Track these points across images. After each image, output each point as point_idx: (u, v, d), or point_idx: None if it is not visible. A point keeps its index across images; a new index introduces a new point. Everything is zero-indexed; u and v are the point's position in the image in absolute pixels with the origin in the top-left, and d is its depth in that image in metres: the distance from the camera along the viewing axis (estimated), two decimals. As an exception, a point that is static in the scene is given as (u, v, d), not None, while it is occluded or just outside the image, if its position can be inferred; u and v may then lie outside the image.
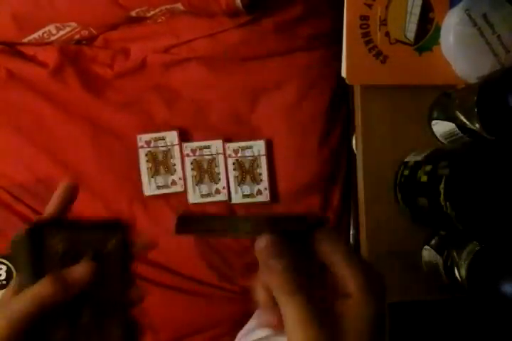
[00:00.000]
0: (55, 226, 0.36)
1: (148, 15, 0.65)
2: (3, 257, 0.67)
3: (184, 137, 0.68)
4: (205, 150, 0.68)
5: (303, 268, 0.30)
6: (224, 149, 0.68)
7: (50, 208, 0.38)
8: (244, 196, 0.68)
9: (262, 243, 0.30)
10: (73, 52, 0.68)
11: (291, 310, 0.29)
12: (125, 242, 0.37)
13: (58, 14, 0.65)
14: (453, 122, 0.48)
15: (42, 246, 0.36)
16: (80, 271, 0.35)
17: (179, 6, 0.63)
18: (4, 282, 0.68)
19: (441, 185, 0.42)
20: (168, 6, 0.64)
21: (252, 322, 0.64)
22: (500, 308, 0.44)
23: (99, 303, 0.36)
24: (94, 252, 0.36)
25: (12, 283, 0.36)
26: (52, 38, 0.68)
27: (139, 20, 0.67)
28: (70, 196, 0.38)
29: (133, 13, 0.65)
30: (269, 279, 0.30)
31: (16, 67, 0.67)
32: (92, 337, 0.35)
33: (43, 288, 0.33)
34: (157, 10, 0.64)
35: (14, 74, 0.67)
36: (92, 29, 0.68)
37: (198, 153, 0.68)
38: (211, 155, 0.68)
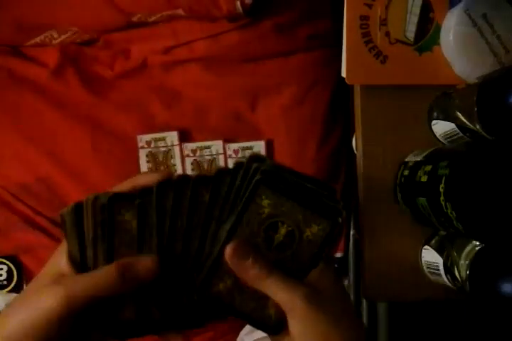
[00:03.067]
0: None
1: (150, 20, 0.66)
2: (4, 257, 0.67)
3: (184, 137, 0.68)
4: (205, 150, 0.68)
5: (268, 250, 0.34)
6: (224, 149, 0.68)
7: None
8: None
9: (228, 251, 0.33)
10: (74, 52, 0.68)
11: (276, 286, 0.33)
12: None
13: (60, 19, 0.66)
14: (453, 122, 0.48)
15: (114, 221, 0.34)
16: (146, 264, 0.33)
17: (180, 11, 0.63)
18: (5, 282, 0.68)
19: (441, 185, 0.42)
20: (169, 12, 0.64)
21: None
22: (501, 308, 0.44)
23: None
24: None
25: (65, 250, 0.35)
26: (54, 42, 0.68)
27: (140, 24, 0.67)
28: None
29: (134, 19, 0.65)
30: (247, 277, 0.34)
31: (17, 68, 0.67)
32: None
33: (105, 280, 0.32)
34: (158, 15, 0.65)
35: (15, 74, 0.67)
36: (93, 33, 0.68)
37: (198, 154, 0.68)
38: (211, 155, 0.68)
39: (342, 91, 0.69)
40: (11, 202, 0.66)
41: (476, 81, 0.48)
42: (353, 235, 0.69)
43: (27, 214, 0.66)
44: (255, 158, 0.36)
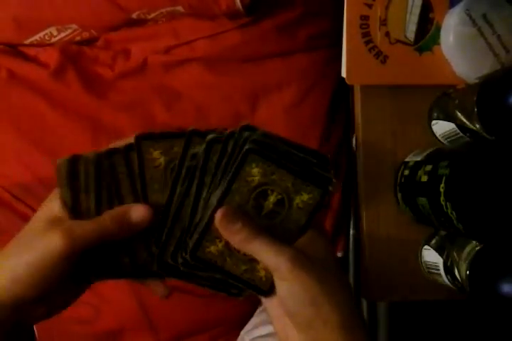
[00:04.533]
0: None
1: (149, 17, 0.65)
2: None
3: (185, 137, 0.68)
4: (205, 150, 0.68)
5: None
6: (224, 149, 0.68)
7: None
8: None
9: (218, 215, 0.34)
10: (74, 52, 0.68)
11: (263, 248, 0.34)
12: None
13: (59, 16, 0.66)
14: (453, 122, 0.48)
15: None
16: (139, 213, 0.36)
17: (180, 8, 0.63)
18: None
19: (442, 185, 0.42)
20: (168, 9, 0.64)
21: (255, 319, 0.65)
22: (501, 308, 0.44)
23: None
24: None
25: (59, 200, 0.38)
26: (54, 40, 0.68)
27: (140, 22, 0.67)
28: None
29: (134, 16, 0.65)
30: (235, 240, 0.34)
31: (17, 68, 0.67)
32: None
33: (103, 226, 0.35)
34: (157, 12, 0.65)
35: (15, 74, 0.67)
36: (93, 31, 0.68)
37: (198, 154, 0.68)
38: (211, 155, 0.68)
39: (342, 91, 0.69)
40: (11, 202, 0.66)
41: (476, 81, 0.48)
42: (353, 235, 0.69)
43: (27, 215, 0.66)
44: (246, 127, 0.37)
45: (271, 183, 0.35)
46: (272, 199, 0.35)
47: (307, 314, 0.34)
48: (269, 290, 0.36)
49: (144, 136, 0.38)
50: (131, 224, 0.36)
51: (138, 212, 0.36)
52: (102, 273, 0.38)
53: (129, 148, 0.39)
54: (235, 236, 0.34)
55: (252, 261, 0.35)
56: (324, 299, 0.33)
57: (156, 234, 0.37)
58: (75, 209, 0.37)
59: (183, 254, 0.36)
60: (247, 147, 0.35)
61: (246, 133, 0.36)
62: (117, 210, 0.37)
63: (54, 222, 0.36)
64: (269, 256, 0.34)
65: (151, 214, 0.37)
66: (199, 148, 0.37)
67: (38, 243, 0.35)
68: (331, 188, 0.36)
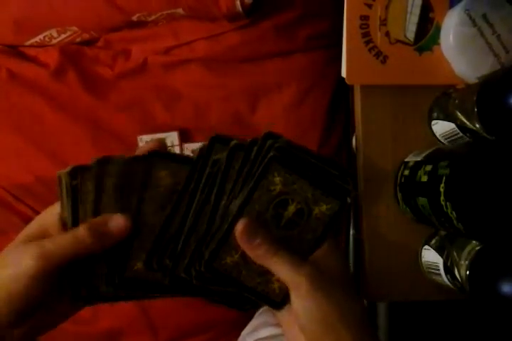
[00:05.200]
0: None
1: (149, 19, 0.66)
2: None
3: (185, 138, 0.68)
4: (205, 150, 0.68)
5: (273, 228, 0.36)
6: (224, 149, 0.67)
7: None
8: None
9: (239, 228, 0.34)
10: (74, 52, 0.68)
11: (281, 264, 0.34)
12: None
13: (59, 18, 0.66)
14: (453, 122, 0.48)
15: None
16: (117, 223, 0.35)
17: (180, 10, 0.63)
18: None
19: (442, 185, 0.42)
20: (168, 11, 0.64)
21: (254, 321, 0.64)
22: (501, 309, 0.44)
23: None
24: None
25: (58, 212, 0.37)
26: (54, 41, 0.68)
27: (140, 24, 0.67)
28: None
29: (134, 18, 0.65)
30: (255, 254, 0.35)
31: (17, 68, 0.67)
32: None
33: (78, 238, 0.34)
34: (158, 14, 0.65)
35: (15, 74, 0.67)
36: (93, 32, 0.68)
37: (198, 154, 0.68)
38: (211, 155, 0.68)
39: (342, 91, 0.69)
40: (11, 202, 0.66)
41: (476, 81, 0.48)
42: (353, 235, 0.69)
43: (28, 215, 0.66)
44: (270, 135, 0.37)
45: (291, 193, 0.35)
46: (291, 209, 0.35)
47: (319, 331, 0.34)
48: (282, 302, 0.36)
49: (157, 154, 0.37)
50: (109, 234, 0.35)
51: (116, 222, 0.35)
52: (97, 296, 0.37)
53: (135, 159, 0.37)
54: (255, 250, 0.34)
55: (267, 272, 0.35)
56: (338, 318, 0.34)
57: (169, 247, 0.36)
58: (75, 222, 0.37)
59: (197, 267, 0.35)
60: (271, 154, 0.35)
61: (269, 141, 0.36)
62: (94, 221, 0.36)
63: (29, 240, 0.36)
64: (287, 273, 0.34)
65: (129, 224, 0.36)
66: (221, 155, 0.36)
67: (11, 261, 0.34)
68: (349, 200, 0.36)
